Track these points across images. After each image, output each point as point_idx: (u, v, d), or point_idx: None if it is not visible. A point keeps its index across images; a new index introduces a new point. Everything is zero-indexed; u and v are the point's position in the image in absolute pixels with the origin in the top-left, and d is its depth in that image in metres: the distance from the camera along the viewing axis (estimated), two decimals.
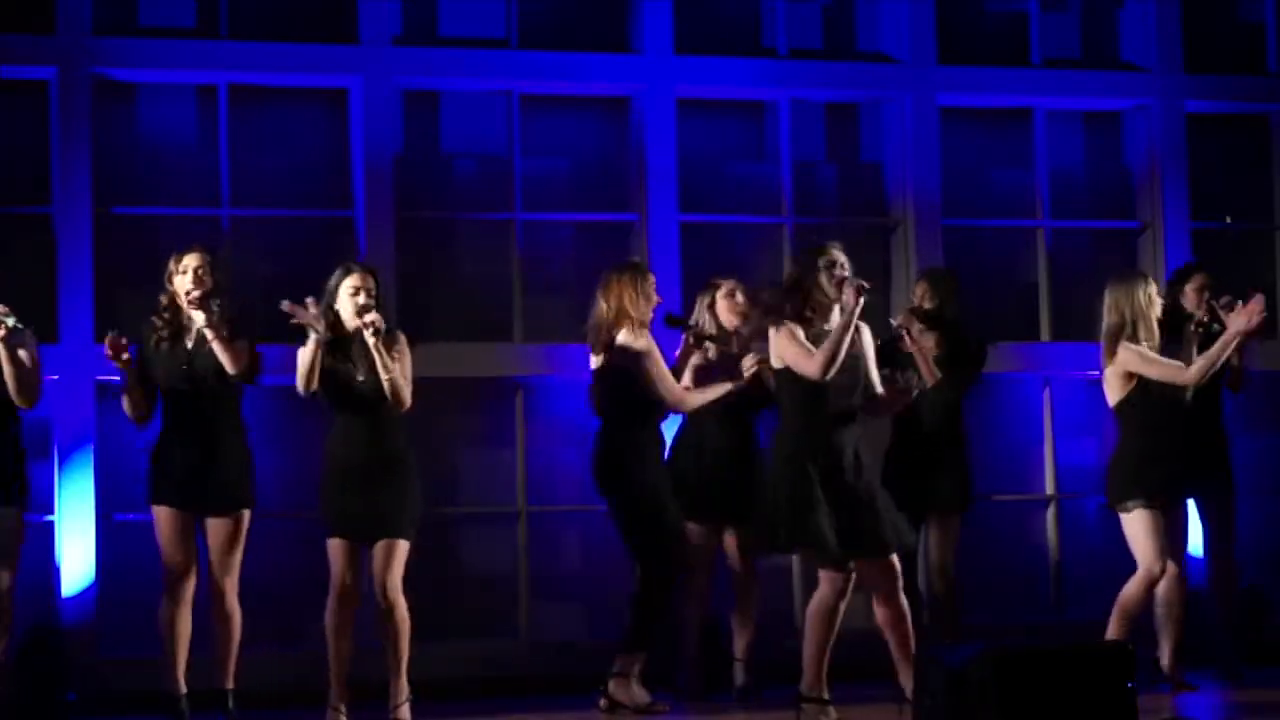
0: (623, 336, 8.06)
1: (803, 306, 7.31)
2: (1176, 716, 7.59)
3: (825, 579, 7.32)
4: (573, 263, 10.15)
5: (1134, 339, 8.09)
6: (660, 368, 8.08)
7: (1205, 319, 8.52)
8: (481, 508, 9.83)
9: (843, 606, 7.33)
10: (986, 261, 10.55)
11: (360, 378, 7.54)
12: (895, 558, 7.36)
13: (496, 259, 9.93)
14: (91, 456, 9.07)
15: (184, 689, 7.73)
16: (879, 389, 7.43)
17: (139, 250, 9.52)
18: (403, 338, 7.69)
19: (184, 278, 7.71)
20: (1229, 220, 10.85)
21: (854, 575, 7.31)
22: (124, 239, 9.45)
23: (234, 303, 7.75)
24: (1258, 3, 11.04)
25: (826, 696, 7.37)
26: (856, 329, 7.31)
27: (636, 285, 8.13)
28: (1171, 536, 8.36)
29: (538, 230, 10.02)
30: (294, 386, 7.46)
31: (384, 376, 7.49)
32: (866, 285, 7.21)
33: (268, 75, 9.67)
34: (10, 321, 7.47)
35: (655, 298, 8.18)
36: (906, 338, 8.63)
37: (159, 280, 7.67)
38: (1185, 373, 8.03)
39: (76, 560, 9.02)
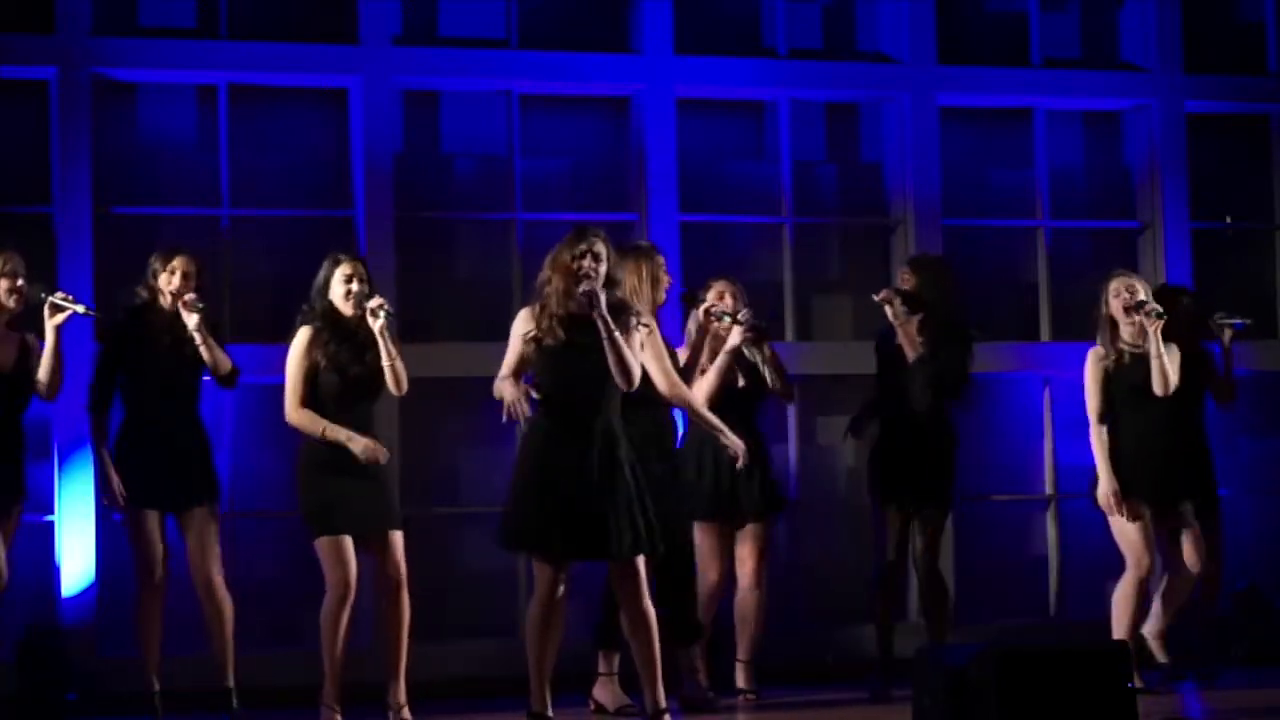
0: None
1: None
2: (1176, 716, 7.60)
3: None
4: None
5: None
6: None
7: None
8: (481, 508, 9.81)
9: None
10: (986, 261, 10.55)
11: (356, 369, 7.52)
12: None
13: (496, 259, 9.93)
14: (91, 456, 9.06)
15: (158, 686, 7.88)
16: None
17: (139, 250, 9.47)
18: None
19: (172, 277, 7.87)
20: (1229, 220, 10.85)
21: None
22: (124, 239, 9.43)
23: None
24: (1258, 3, 11.04)
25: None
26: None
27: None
28: (1182, 538, 8.51)
29: (538, 230, 10.00)
30: (282, 385, 7.48)
31: (386, 362, 7.47)
32: (591, 293, 7.13)
33: (268, 75, 9.67)
34: (80, 308, 7.72)
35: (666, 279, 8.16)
36: (888, 310, 8.60)
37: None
38: None
39: (76, 560, 9.01)
